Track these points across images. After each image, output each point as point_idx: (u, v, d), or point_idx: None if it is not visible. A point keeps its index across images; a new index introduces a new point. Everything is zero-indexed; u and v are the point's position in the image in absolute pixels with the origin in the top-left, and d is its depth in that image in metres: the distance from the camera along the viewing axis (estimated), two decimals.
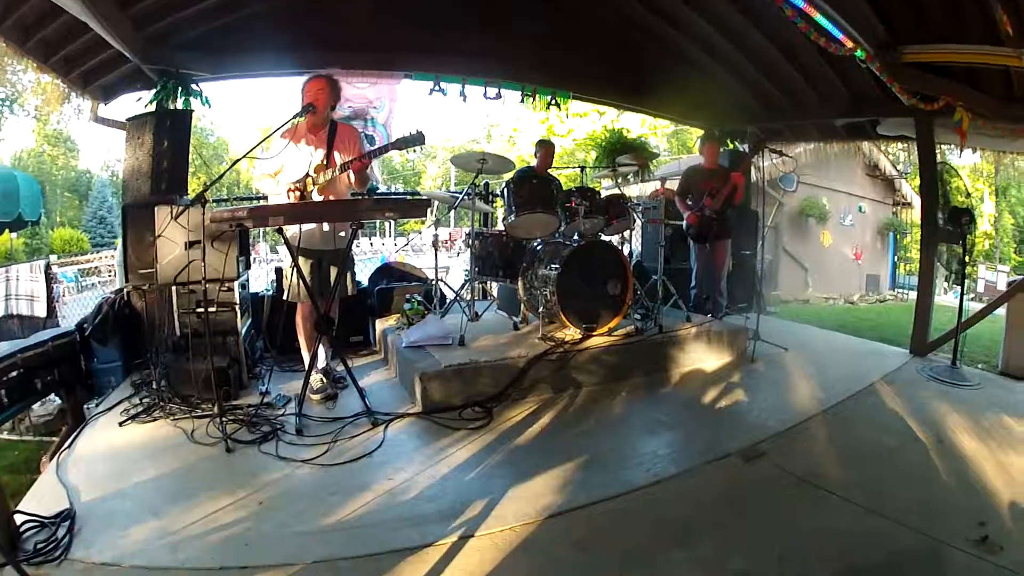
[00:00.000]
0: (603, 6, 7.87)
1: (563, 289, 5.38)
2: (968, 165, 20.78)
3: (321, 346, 4.91)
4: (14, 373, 4.70)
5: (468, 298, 6.32)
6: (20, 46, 5.49)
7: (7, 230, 12.37)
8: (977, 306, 7.20)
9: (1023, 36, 5.03)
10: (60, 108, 6.57)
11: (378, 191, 8.42)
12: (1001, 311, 6.77)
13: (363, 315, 6.80)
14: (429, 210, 5.87)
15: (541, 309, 5.62)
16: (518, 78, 7.87)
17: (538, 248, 5.95)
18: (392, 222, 26.90)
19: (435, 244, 6.84)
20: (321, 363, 4.96)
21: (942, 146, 7.34)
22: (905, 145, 8.86)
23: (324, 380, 4.92)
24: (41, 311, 8.52)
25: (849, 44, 5.26)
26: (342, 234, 4.89)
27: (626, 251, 6.79)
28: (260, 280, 7.26)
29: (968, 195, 6.81)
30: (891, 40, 5.72)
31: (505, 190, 6.03)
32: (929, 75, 6.00)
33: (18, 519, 2.99)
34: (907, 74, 5.93)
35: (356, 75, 7.23)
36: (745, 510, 3.32)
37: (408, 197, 10.97)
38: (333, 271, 4.90)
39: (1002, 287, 17.45)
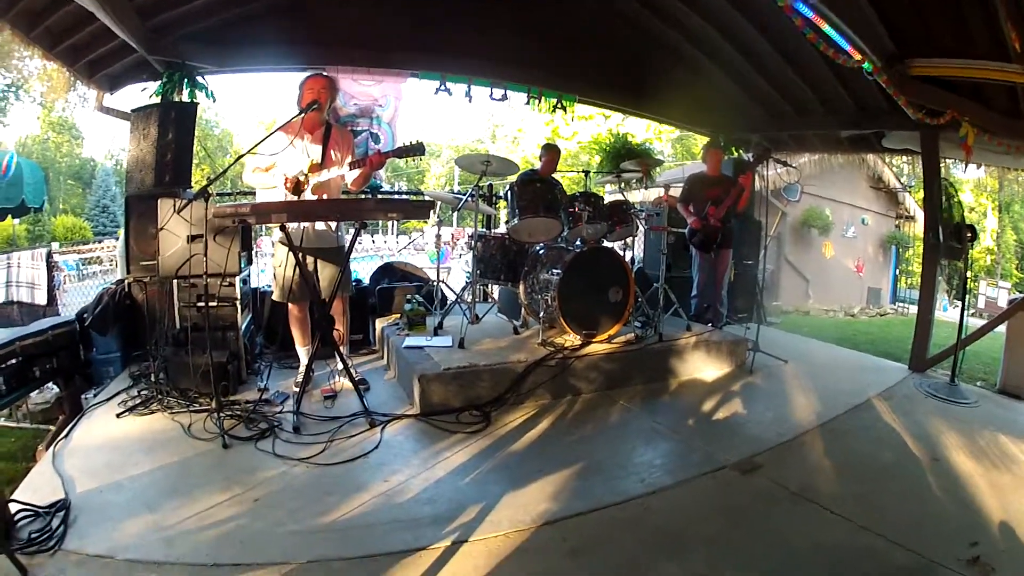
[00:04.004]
0: (611, 10, 7.87)
1: (564, 294, 5.38)
2: (972, 180, 20.83)
3: (340, 348, 4.95)
4: (13, 360, 4.72)
5: (469, 300, 6.30)
6: (26, 34, 5.48)
7: (9, 216, 12.38)
8: (977, 322, 7.19)
9: None
10: (66, 96, 6.60)
11: (381, 189, 8.41)
12: (1001, 328, 6.76)
13: (364, 314, 6.75)
14: (432, 211, 5.86)
15: (542, 314, 5.63)
16: (524, 80, 7.89)
17: (540, 252, 5.96)
18: (394, 221, 26.80)
19: (438, 245, 6.85)
20: (339, 365, 4.97)
21: (947, 160, 7.34)
22: (909, 158, 8.86)
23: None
24: (42, 299, 8.52)
25: (857, 56, 5.26)
26: (337, 233, 4.96)
27: (628, 257, 6.76)
28: (263, 276, 7.26)
29: (971, 210, 6.83)
30: (899, 53, 5.72)
31: (509, 193, 6.02)
32: (936, 89, 6.01)
33: (13, 508, 3.00)
34: (914, 87, 5.93)
35: (361, 72, 7.21)
36: (738, 523, 3.31)
37: (411, 198, 10.96)
38: (325, 270, 4.91)
39: (1003, 303, 17.46)
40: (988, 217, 32.61)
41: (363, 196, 5.85)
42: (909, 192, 20.10)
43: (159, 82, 6.41)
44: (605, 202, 6.37)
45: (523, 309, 6.10)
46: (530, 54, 7.75)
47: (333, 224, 4.93)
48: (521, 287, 5.94)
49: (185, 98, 6.44)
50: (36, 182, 11.66)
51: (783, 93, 8.12)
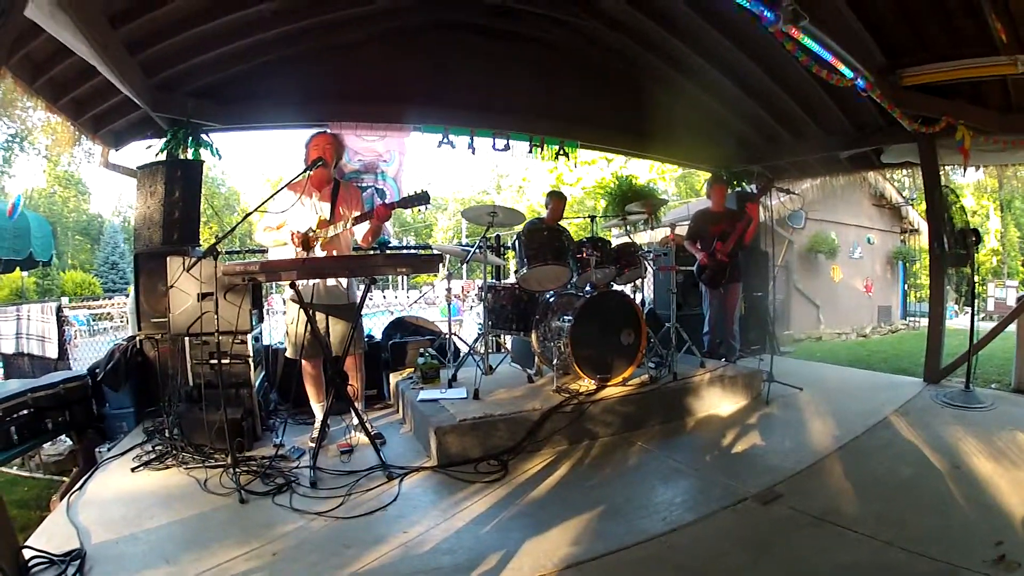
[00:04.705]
0: (607, 52, 7.97)
1: (577, 340, 5.39)
2: (972, 183, 20.84)
3: (355, 404, 4.93)
4: (24, 411, 4.82)
5: (482, 351, 6.31)
6: (29, 84, 5.51)
7: (18, 268, 12.51)
8: (988, 325, 7.19)
9: (1018, 42, 5.09)
10: (71, 150, 6.63)
11: (390, 245, 8.45)
12: (1012, 328, 6.82)
13: (377, 369, 6.76)
14: (441, 264, 5.89)
15: (555, 361, 5.61)
16: (526, 128, 7.95)
17: (551, 300, 5.99)
18: (404, 276, 26.90)
19: (448, 298, 6.87)
20: (355, 421, 4.92)
21: (946, 167, 7.38)
22: (910, 171, 8.89)
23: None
24: (52, 352, 8.52)
25: (850, 74, 5.31)
26: (348, 290, 5.01)
27: (638, 299, 6.82)
28: (275, 332, 7.29)
29: (973, 214, 6.87)
30: (890, 65, 5.81)
31: (516, 242, 6.09)
32: (929, 96, 6.11)
33: (27, 554, 3.02)
34: (907, 98, 6.01)
35: (365, 128, 7.28)
36: (761, 554, 3.28)
37: (420, 252, 11.00)
38: (336, 326, 4.95)
39: (1012, 303, 17.32)
40: (991, 218, 32.66)
41: (372, 252, 5.91)
42: (912, 205, 20.06)
43: (164, 140, 6.47)
44: (612, 246, 6.47)
45: (536, 357, 6.11)
46: (531, 102, 7.88)
47: (343, 281, 4.96)
48: (533, 336, 5.96)
49: (190, 156, 6.48)
50: (44, 236, 11.80)
51: (780, 120, 8.20)
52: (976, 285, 6.66)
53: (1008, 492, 3.72)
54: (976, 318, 6.41)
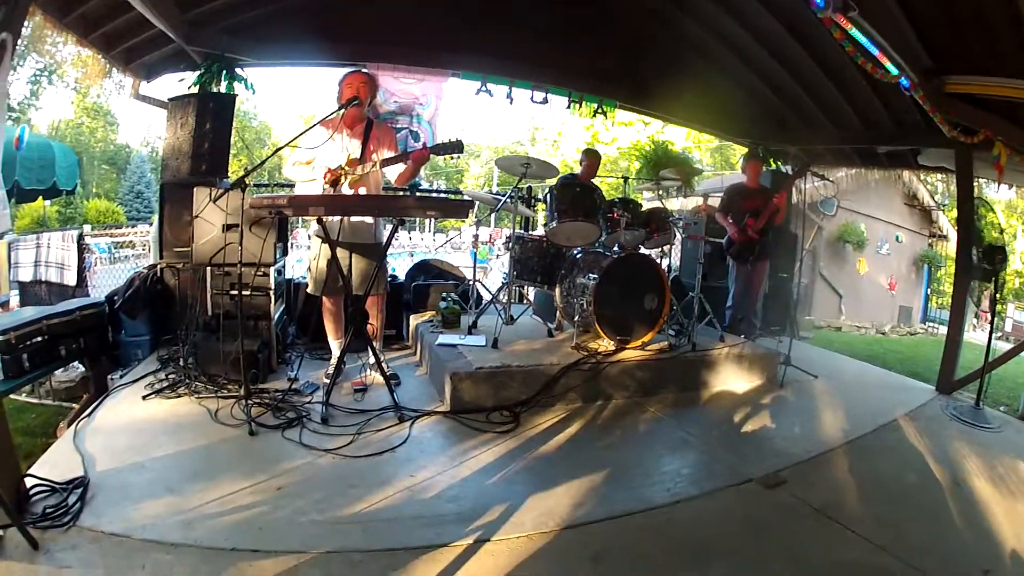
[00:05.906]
0: (651, 15, 7.82)
1: (600, 299, 5.36)
2: (1003, 200, 20.45)
3: (373, 343, 4.89)
4: (39, 339, 4.75)
5: (504, 301, 6.30)
6: (59, 20, 5.41)
7: (40, 197, 12.56)
8: (1005, 346, 7.09)
9: None
10: (101, 82, 6.56)
11: (420, 187, 8.42)
12: None
13: (398, 309, 6.77)
14: (470, 210, 5.86)
15: (576, 318, 5.62)
16: (565, 84, 7.87)
17: (578, 256, 5.95)
18: (432, 219, 26.88)
19: (475, 244, 6.86)
20: (371, 360, 4.94)
21: (980, 180, 7.26)
22: (944, 176, 8.80)
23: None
24: (71, 279, 8.57)
25: (895, 71, 5.21)
26: (375, 229, 4.99)
27: (664, 265, 6.77)
28: (299, 266, 7.29)
29: (1002, 231, 6.72)
30: (935, 69, 5.67)
31: (548, 196, 6.04)
32: (969, 107, 5.93)
33: (29, 482, 3.02)
34: (949, 104, 5.87)
35: (402, 71, 7.22)
36: (760, 537, 3.27)
37: (451, 196, 10.91)
38: (359, 264, 4.94)
39: None
40: (1018, 238, 32.08)
41: (402, 193, 5.87)
42: (943, 211, 19.84)
43: (197, 72, 6.42)
44: (643, 209, 6.39)
45: (558, 312, 6.12)
46: (573, 59, 7.77)
47: (370, 219, 4.94)
48: (557, 290, 5.94)
49: (223, 89, 6.44)
50: (69, 165, 11.85)
51: (821, 106, 8.06)
52: (997, 303, 6.58)
53: (1001, 521, 3.65)
54: (993, 336, 6.31)
